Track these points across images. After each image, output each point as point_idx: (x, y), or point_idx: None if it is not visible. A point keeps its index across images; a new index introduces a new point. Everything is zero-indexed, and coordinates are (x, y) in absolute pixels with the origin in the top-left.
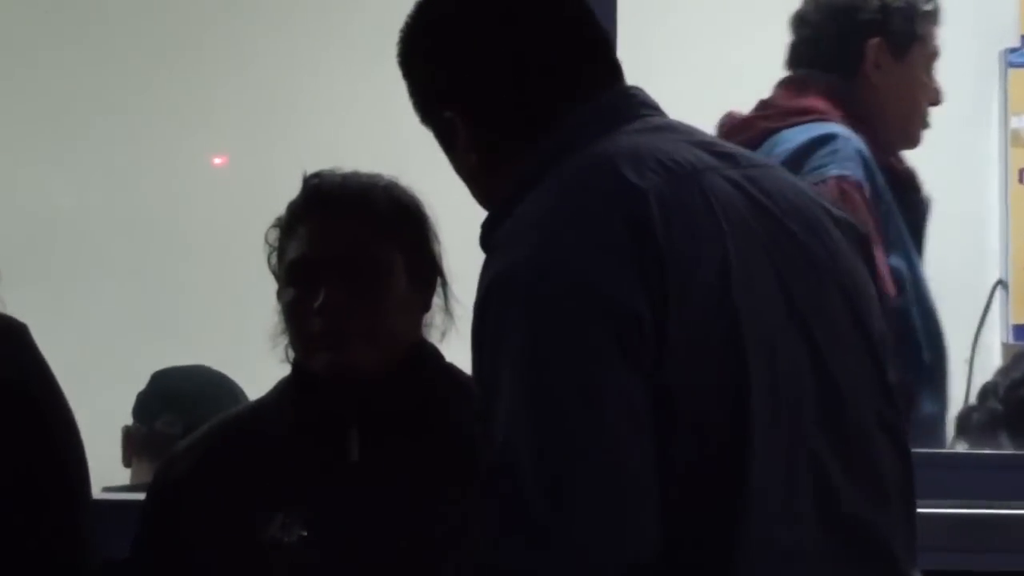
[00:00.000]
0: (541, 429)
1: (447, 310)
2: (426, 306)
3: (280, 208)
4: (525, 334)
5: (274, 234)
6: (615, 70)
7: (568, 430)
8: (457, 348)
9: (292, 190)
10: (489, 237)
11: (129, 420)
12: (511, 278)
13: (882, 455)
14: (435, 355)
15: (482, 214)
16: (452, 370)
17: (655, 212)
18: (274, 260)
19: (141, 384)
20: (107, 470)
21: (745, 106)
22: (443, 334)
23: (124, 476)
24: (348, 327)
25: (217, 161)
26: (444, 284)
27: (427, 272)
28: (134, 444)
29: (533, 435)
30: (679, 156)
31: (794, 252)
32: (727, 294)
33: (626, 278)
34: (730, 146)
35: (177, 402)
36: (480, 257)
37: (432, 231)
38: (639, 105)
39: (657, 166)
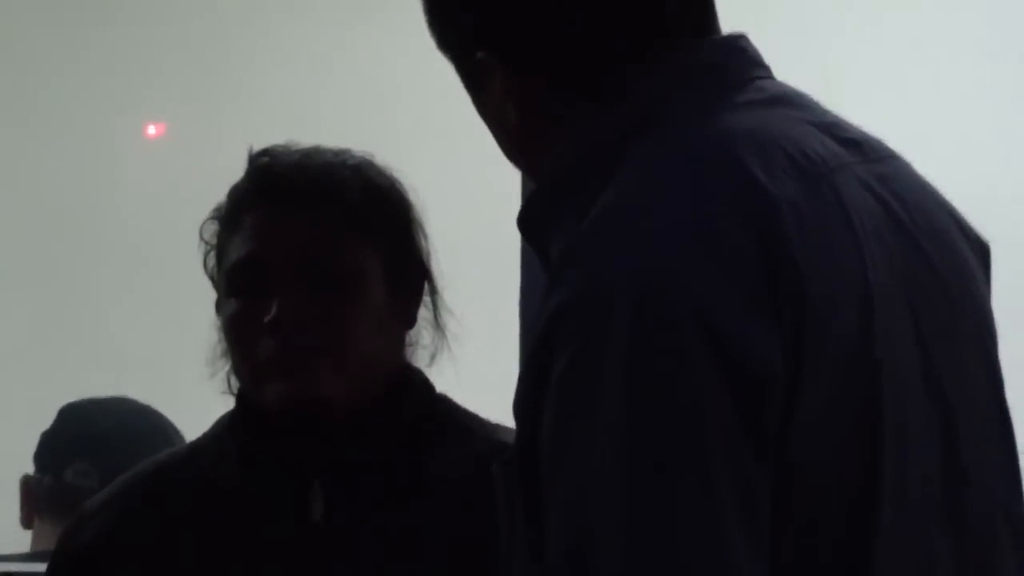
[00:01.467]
0: (636, 524)
1: (437, 325)
2: (410, 321)
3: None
4: (623, 384)
5: (212, 228)
6: (709, 10)
7: (672, 531)
8: (450, 375)
9: (241, 169)
10: (536, 220)
11: (30, 468)
12: (605, 300)
13: (1005, 563)
14: (422, 384)
15: (495, 199)
16: (444, 404)
17: (791, 231)
18: (212, 261)
19: (46, 422)
20: (1, 533)
21: None
22: (433, 356)
23: (23, 540)
24: (308, 348)
25: (152, 131)
26: (433, 292)
27: (411, 277)
28: (36, 499)
29: (623, 530)
30: (809, 147)
31: (932, 288)
32: (868, 346)
33: (760, 321)
34: (853, 128)
35: (91, 445)
36: (488, 261)
37: (417, 223)
38: (749, 64)
39: (787, 163)
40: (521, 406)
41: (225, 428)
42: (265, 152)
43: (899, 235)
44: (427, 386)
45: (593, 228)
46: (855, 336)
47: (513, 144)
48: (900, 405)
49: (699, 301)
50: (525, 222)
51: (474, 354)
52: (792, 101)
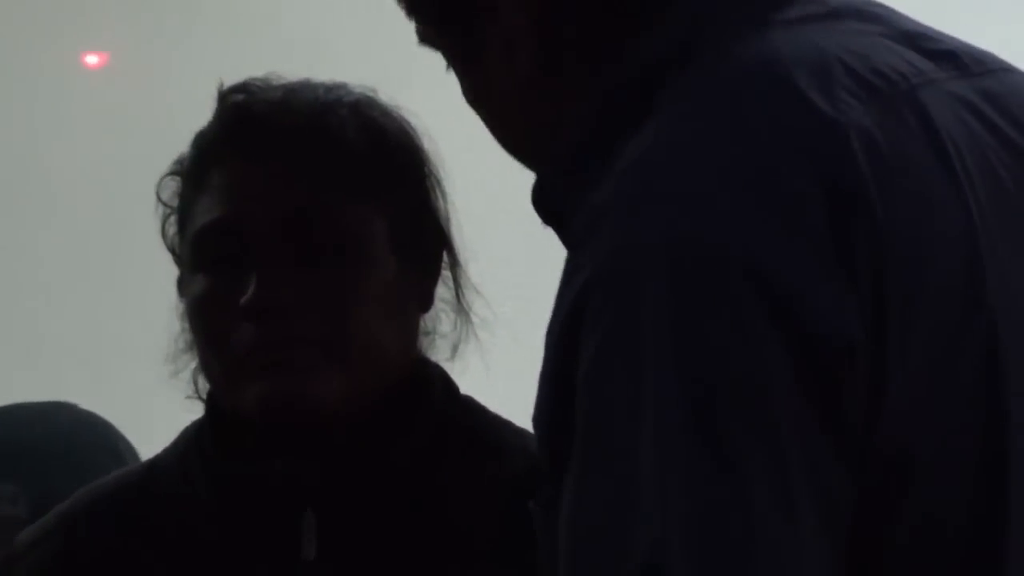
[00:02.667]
0: (696, 544)
1: (460, 307)
2: (426, 302)
3: (186, 137)
4: (668, 371)
5: (172, 186)
6: None
7: (741, 545)
8: (477, 371)
9: (204, 109)
10: (554, 194)
11: None
12: (636, 270)
13: None
14: (442, 384)
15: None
16: (470, 408)
17: (863, 166)
18: (173, 228)
19: None
20: None
21: None
22: (455, 348)
23: None
24: (297, 339)
25: (91, 60)
26: (455, 265)
27: (427, 246)
28: None
29: (685, 551)
30: (882, 62)
31: None
32: (979, 298)
33: (831, 282)
34: (948, 38)
35: (20, 463)
36: (523, 227)
37: (434, 178)
38: None
39: (853, 83)
40: (545, 417)
41: (192, 442)
42: (240, 88)
43: (1011, 161)
44: (448, 386)
45: (618, 186)
46: (959, 290)
47: (507, 112)
48: None
49: (752, 262)
50: (541, 199)
51: (507, 345)
52: (862, 12)
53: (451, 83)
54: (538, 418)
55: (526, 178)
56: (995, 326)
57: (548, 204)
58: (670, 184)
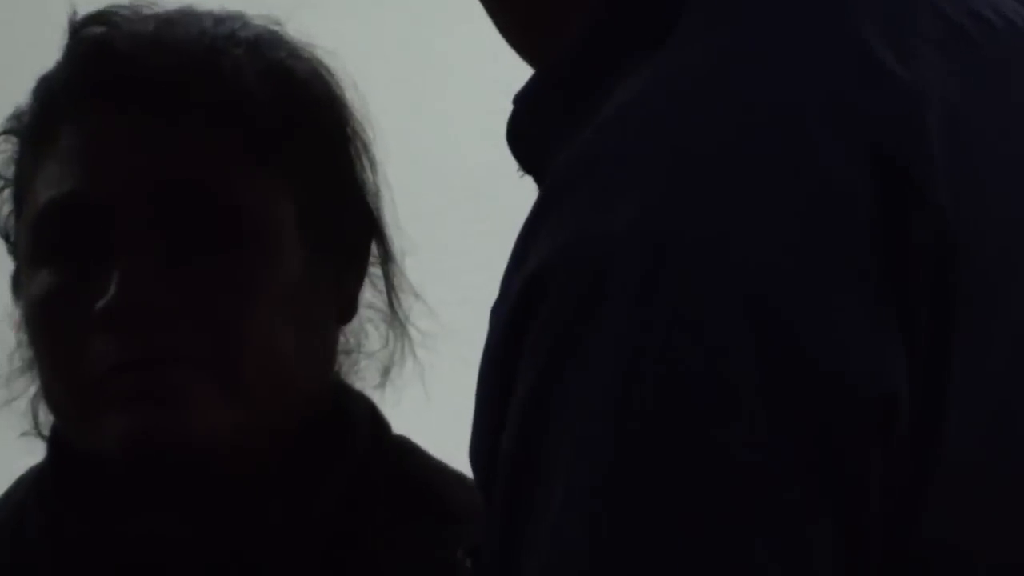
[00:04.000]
0: None
1: (393, 316)
2: (347, 309)
3: (25, 84)
4: (614, 423)
5: (6, 149)
6: None
7: None
8: (415, 400)
9: (51, 45)
10: (529, 126)
11: None
12: (598, 271)
13: None
14: (368, 419)
15: (492, 103)
16: (404, 452)
17: (936, 150)
18: (7, 207)
19: None
20: None
21: None
22: (386, 371)
23: None
24: (173, 354)
25: None
26: (386, 260)
27: (348, 234)
28: None
29: None
30: (985, 3)
31: None
32: None
33: (866, 310)
34: None
35: None
36: (479, 208)
37: (360, 141)
38: None
39: (941, 29)
40: (482, 446)
41: (30, 494)
42: (98, 17)
43: None
44: (377, 423)
45: (594, 146)
46: None
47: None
48: None
49: (753, 275)
50: (515, 129)
51: (455, 367)
52: None
53: (382, 12)
54: (474, 450)
55: (481, 142)
56: None
57: (522, 148)
58: (653, 157)
